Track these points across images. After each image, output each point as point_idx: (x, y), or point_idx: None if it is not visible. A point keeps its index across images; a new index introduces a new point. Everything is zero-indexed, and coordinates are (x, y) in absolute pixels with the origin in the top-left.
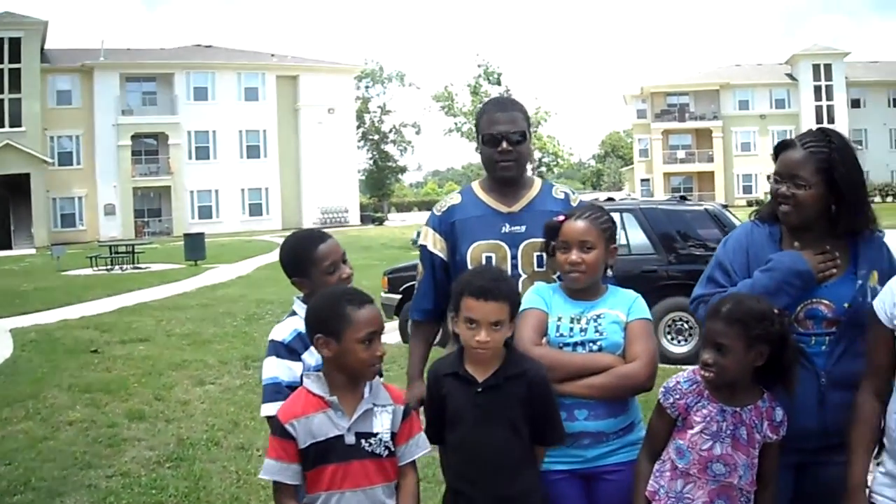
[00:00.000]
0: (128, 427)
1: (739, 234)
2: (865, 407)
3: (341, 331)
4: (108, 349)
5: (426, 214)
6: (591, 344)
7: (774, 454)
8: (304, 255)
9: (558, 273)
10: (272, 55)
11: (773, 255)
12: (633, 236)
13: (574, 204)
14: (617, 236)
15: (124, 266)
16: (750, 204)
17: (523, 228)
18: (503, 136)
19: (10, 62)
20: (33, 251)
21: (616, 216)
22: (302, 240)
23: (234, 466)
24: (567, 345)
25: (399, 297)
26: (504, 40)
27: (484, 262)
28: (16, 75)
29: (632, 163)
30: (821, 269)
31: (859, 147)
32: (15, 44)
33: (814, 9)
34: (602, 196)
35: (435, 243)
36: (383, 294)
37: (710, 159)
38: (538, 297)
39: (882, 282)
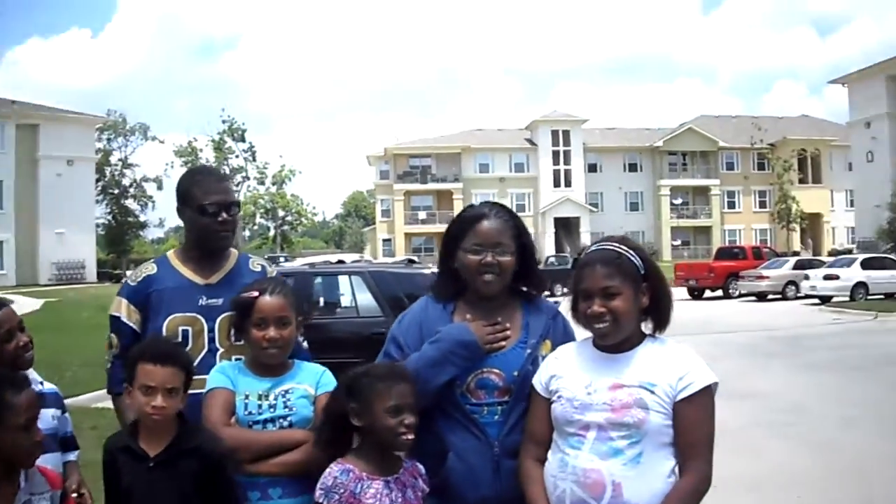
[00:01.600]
0: None
1: (415, 309)
2: (533, 471)
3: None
4: None
5: None
6: (281, 420)
7: None
8: None
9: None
10: (12, 102)
11: (442, 327)
12: (362, 299)
13: (270, 276)
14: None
15: None
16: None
17: (220, 301)
18: (223, 207)
19: None
20: None
21: (345, 279)
22: None
23: None
24: (257, 422)
25: None
26: (249, 94)
27: (180, 335)
28: None
29: (374, 223)
30: (488, 339)
31: (594, 210)
32: None
33: (556, 76)
34: (333, 258)
35: (129, 315)
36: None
37: (450, 220)
38: (223, 375)
39: (555, 349)
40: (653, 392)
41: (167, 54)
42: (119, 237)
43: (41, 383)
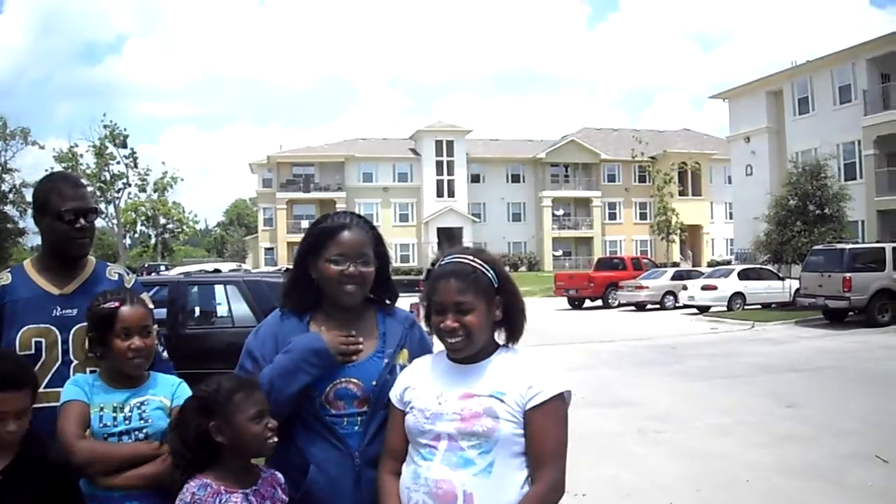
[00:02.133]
0: None
1: (270, 321)
2: (389, 485)
3: None
4: None
5: None
6: (136, 432)
7: None
8: None
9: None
10: None
11: (294, 337)
12: (237, 308)
13: (128, 285)
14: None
15: None
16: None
17: (75, 312)
18: (81, 213)
19: None
20: None
21: (220, 288)
22: None
23: None
24: (112, 435)
25: None
26: (132, 100)
27: (33, 347)
28: None
29: (256, 231)
30: (341, 349)
31: (477, 220)
32: None
33: (441, 88)
34: (209, 267)
35: None
36: None
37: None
38: (77, 388)
39: (412, 358)
40: (503, 401)
41: (49, 56)
42: None
43: None
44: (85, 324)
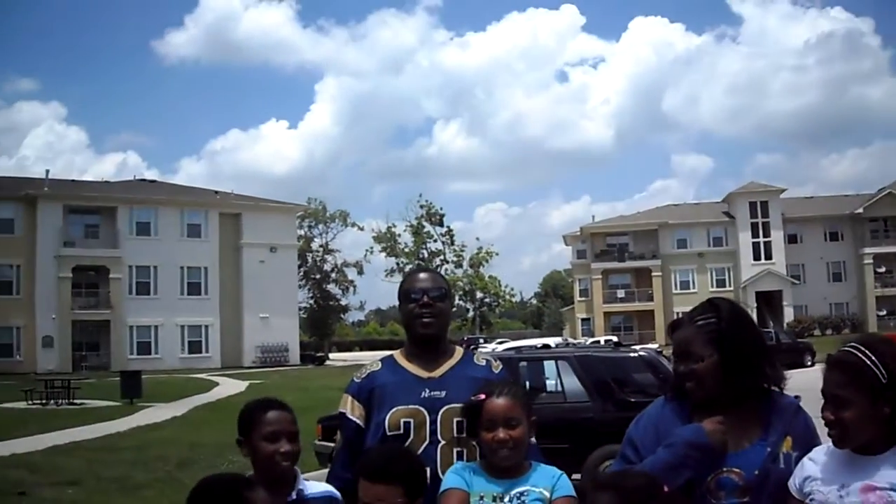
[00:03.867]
0: None
1: (651, 411)
2: None
3: None
4: (36, 492)
5: (368, 354)
6: None
7: None
8: (248, 416)
9: (475, 441)
10: (216, 193)
11: (676, 429)
12: (568, 383)
13: (496, 371)
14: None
15: (59, 401)
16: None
17: (443, 394)
18: (424, 291)
19: None
20: None
21: (551, 364)
22: (254, 402)
23: None
24: None
25: (333, 444)
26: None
27: (402, 428)
28: None
29: (572, 302)
30: (723, 440)
31: (796, 282)
32: None
33: (752, 147)
34: (538, 342)
35: (353, 410)
36: (317, 441)
37: (650, 298)
38: (458, 476)
39: (797, 446)
40: None
41: (362, 142)
42: (321, 321)
43: (304, 484)
44: (453, 405)
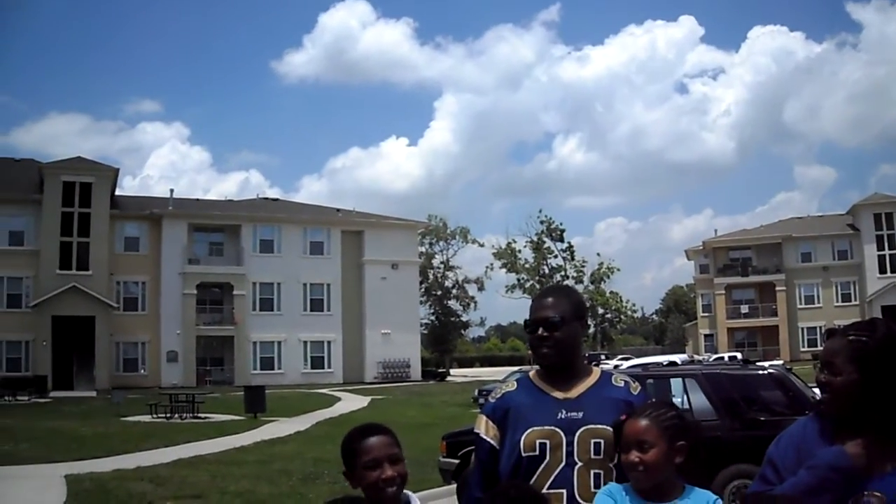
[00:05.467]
0: None
1: (793, 430)
2: None
3: None
4: None
5: (489, 370)
6: None
7: None
8: (348, 447)
9: (614, 463)
10: (338, 211)
11: (819, 451)
12: (696, 401)
13: (634, 392)
14: (683, 431)
15: (184, 415)
16: (815, 357)
17: (580, 414)
18: (539, 322)
19: (80, 206)
20: (94, 394)
21: (678, 381)
22: (353, 431)
23: None
24: None
25: (457, 461)
26: (564, 193)
27: (538, 449)
28: (85, 220)
29: (695, 318)
30: (865, 464)
31: None
32: (86, 189)
33: (876, 157)
34: (664, 359)
35: (487, 430)
36: (441, 458)
37: (774, 313)
38: (609, 498)
39: None
40: None
41: (482, 158)
42: (442, 337)
43: None
44: (590, 426)
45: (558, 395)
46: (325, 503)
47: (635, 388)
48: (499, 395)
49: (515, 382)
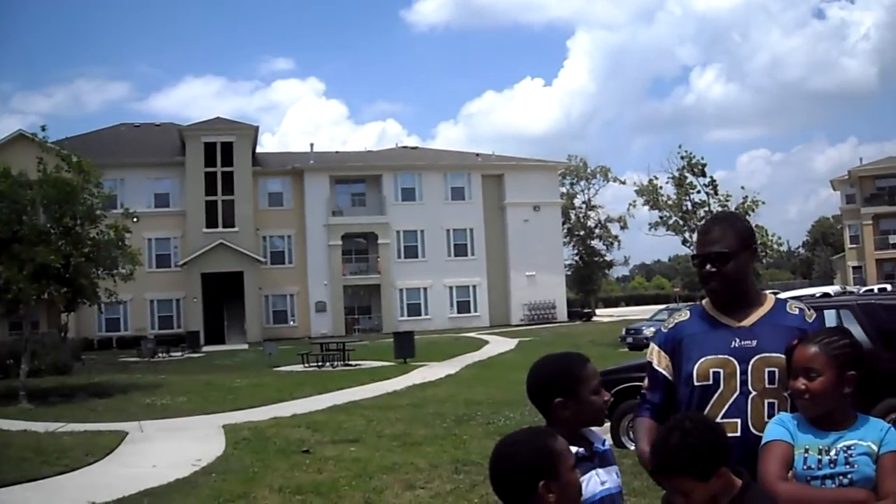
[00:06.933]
0: None
1: None
2: None
3: None
4: (319, 449)
5: (634, 309)
6: (840, 477)
7: None
8: (572, 375)
9: (789, 392)
10: (477, 155)
11: None
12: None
13: (809, 320)
14: (855, 361)
15: (335, 363)
16: None
17: (754, 343)
18: (706, 258)
19: (223, 165)
20: (246, 346)
21: (832, 313)
22: (567, 359)
23: None
24: (815, 478)
25: (611, 399)
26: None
27: (711, 378)
28: (229, 178)
29: (842, 250)
30: None
31: None
32: (227, 148)
33: None
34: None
35: (660, 360)
36: None
37: None
38: (782, 428)
39: None
40: None
41: (618, 96)
42: (587, 277)
43: (603, 443)
44: (764, 355)
45: (732, 323)
46: (507, 436)
47: (810, 315)
48: (672, 325)
49: (688, 311)
